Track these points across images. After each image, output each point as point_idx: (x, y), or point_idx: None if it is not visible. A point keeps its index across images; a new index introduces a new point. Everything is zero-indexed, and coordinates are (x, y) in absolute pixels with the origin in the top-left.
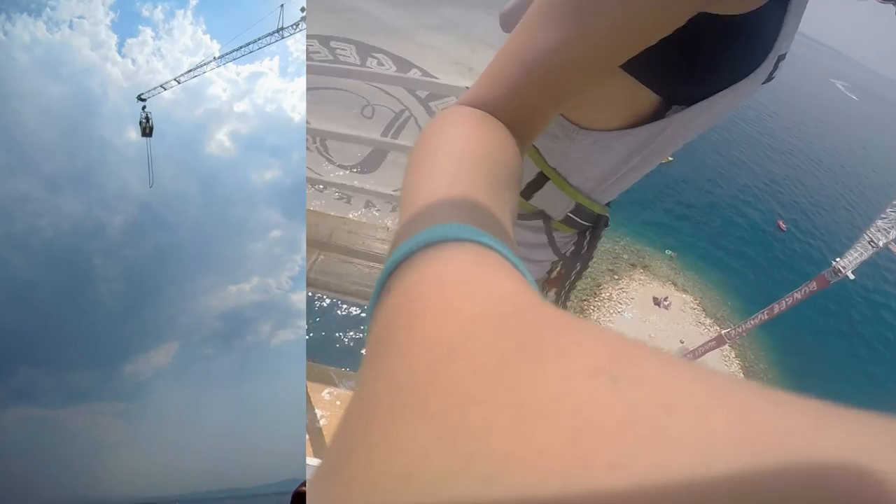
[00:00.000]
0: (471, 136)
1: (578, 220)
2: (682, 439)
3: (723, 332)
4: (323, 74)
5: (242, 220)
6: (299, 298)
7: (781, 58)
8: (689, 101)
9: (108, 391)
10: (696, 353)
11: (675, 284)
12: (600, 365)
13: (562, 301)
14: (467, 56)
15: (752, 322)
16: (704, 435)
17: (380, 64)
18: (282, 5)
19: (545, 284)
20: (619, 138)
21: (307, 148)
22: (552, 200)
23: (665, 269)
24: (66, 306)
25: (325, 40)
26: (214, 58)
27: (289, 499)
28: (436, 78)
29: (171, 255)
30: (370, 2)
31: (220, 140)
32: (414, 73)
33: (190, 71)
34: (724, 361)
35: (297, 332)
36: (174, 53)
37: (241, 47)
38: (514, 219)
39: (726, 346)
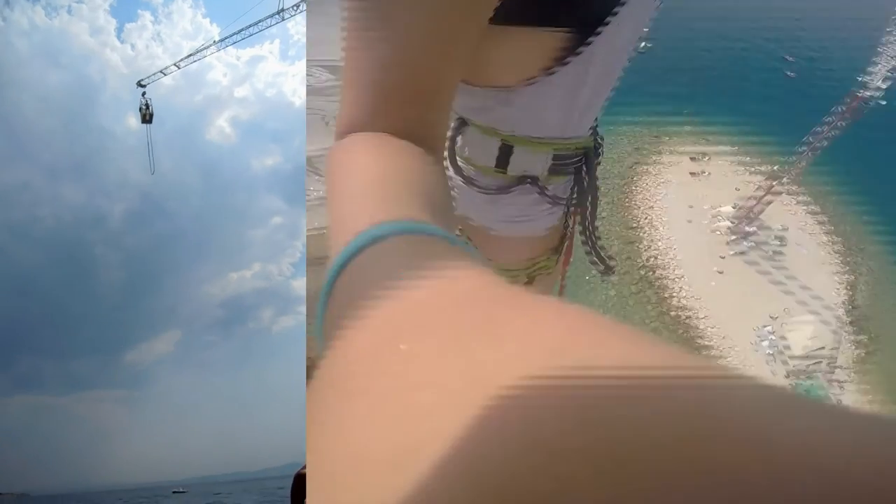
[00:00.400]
0: (377, 161)
1: (563, 164)
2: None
3: (774, 170)
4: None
5: (243, 207)
6: (300, 284)
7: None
8: (595, 20)
9: (110, 379)
10: (759, 199)
11: (707, 140)
12: (558, 344)
13: (589, 230)
14: None
15: (805, 153)
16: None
17: None
18: None
19: (567, 218)
20: (550, 82)
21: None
22: (528, 161)
23: (689, 134)
24: (68, 295)
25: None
26: (214, 42)
27: (290, 482)
28: None
29: (171, 242)
30: None
31: (221, 126)
32: None
33: (190, 56)
34: (792, 203)
35: (299, 318)
36: (174, 38)
37: (241, 30)
38: (449, 211)
39: (784, 179)
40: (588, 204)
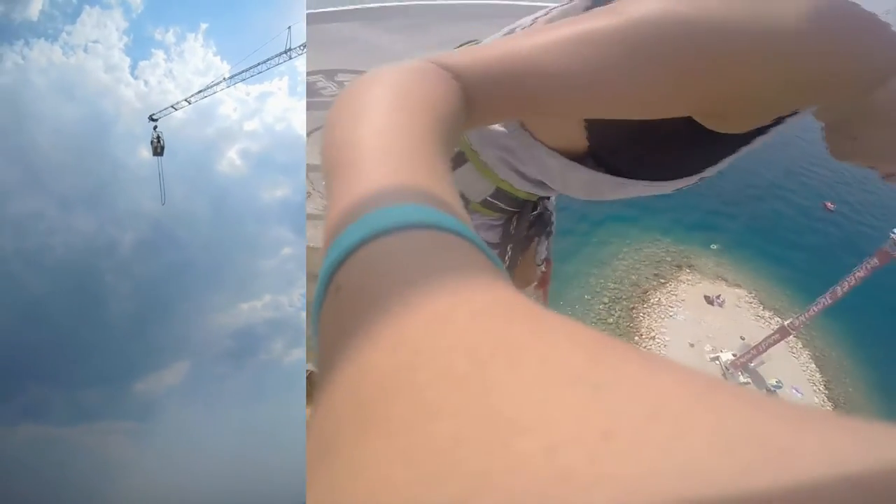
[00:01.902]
0: (414, 81)
1: (500, 204)
2: (664, 448)
3: (785, 322)
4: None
5: (253, 238)
6: None
7: (703, 179)
8: (609, 168)
9: (118, 410)
10: (760, 347)
11: (725, 280)
12: (579, 371)
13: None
14: None
15: (815, 308)
16: (685, 443)
17: None
18: (289, 27)
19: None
20: (540, 153)
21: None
22: (470, 182)
23: (713, 267)
24: (78, 323)
25: (330, 74)
26: (224, 78)
27: None
28: None
29: (182, 272)
30: (369, 30)
31: (231, 158)
32: None
33: (200, 91)
34: (791, 353)
35: None
36: (185, 75)
37: (250, 68)
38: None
39: (791, 336)
40: (507, 259)
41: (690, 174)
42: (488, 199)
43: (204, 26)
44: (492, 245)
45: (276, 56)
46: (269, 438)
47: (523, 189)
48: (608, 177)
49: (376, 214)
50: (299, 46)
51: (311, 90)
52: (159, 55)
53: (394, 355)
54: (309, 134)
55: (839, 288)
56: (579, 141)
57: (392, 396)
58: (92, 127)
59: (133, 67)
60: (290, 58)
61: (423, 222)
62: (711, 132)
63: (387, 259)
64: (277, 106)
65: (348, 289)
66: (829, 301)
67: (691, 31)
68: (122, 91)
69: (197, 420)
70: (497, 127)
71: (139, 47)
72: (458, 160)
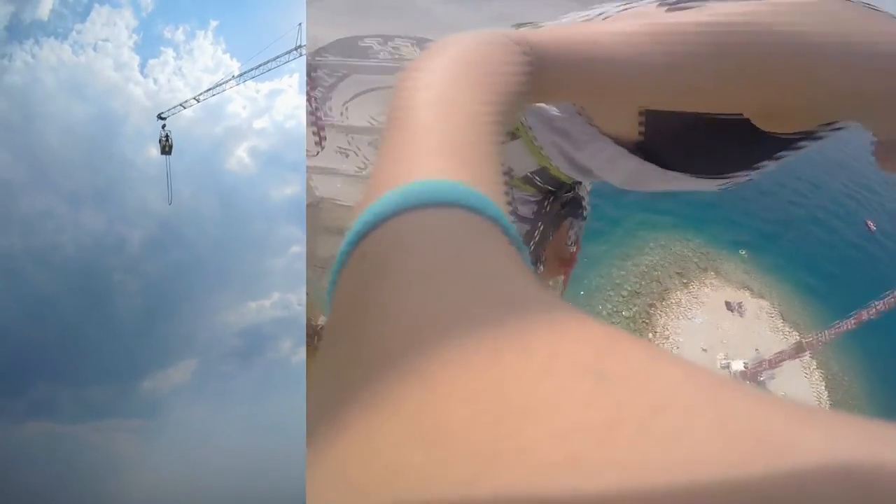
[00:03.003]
0: (483, 53)
1: (539, 181)
2: (669, 439)
3: (803, 340)
4: (388, 74)
5: (262, 236)
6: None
7: (749, 179)
8: (658, 160)
9: (125, 407)
10: (772, 361)
11: (749, 289)
12: (588, 361)
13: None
14: None
15: (836, 329)
16: (690, 435)
17: None
18: (300, 24)
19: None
20: (593, 139)
21: (375, 147)
22: (517, 157)
23: (739, 274)
24: (85, 321)
25: (385, 40)
26: (234, 76)
27: None
28: None
29: (190, 271)
30: None
31: (240, 157)
32: None
33: (209, 90)
34: (803, 372)
35: None
36: (195, 72)
37: (260, 65)
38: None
39: (806, 355)
40: (537, 234)
41: (736, 171)
42: (529, 174)
43: (214, 23)
44: (525, 220)
45: (287, 53)
46: (275, 438)
47: (567, 173)
48: (657, 168)
49: (413, 187)
50: (303, 47)
51: (364, 53)
52: (169, 53)
53: (408, 337)
54: (357, 96)
55: (865, 313)
56: (632, 130)
57: (406, 378)
58: (101, 125)
59: (142, 65)
60: (301, 54)
61: (458, 201)
62: (760, 132)
63: (415, 236)
64: (287, 103)
65: (373, 259)
66: (853, 325)
67: (780, 39)
68: (131, 89)
69: (204, 418)
70: (552, 110)
71: (149, 45)
72: (511, 135)
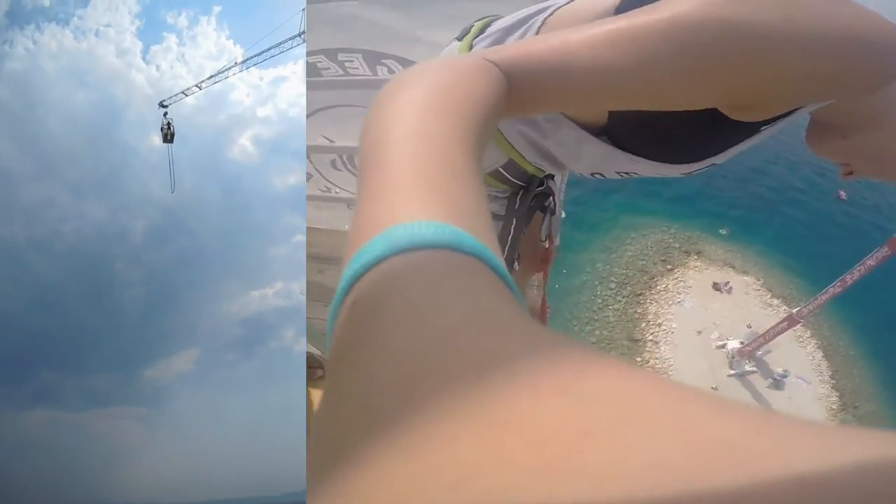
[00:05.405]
0: (456, 78)
1: (509, 176)
2: (635, 447)
3: (793, 311)
4: (337, 89)
5: (265, 225)
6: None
7: (712, 165)
8: (623, 145)
9: (129, 396)
10: (767, 336)
11: (733, 267)
12: (568, 382)
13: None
14: None
15: (823, 297)
16: (654, 442)
17: (390, 71)
18: (304, 9)
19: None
20: (559, 126)
21: (336, 167)
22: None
23: (721, 253)
24: (89, 310)
25: (332, 54)
26: (237, 63)
27: None
28: None
29: (192, 259)
30: (369, 8)
31: (243, 145)
32: None
33: (212, 77)
34: (799, 342)
35: None
36: (198, 59)
37: (263, 52)
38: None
39: (799, 325)
40: (512, 229)
41: (701, 159)
42: (499, 169)
43: (217, 9)
44: (497, 217)
45: (291, 39)
46: (277, 426)
47: (534, 163)
48: (622, 152)
49: (398, 230)
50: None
51: (313, 70)
52: (171, 39)
53: (401, 368)
54: (309, 115)
55: (848, 277)
56: (598, 116)
57: (398, 402)
58: (103, 113)
59: (145, 52)
60: (305, 41)
61: (446, 243)
62: (724, 120)
63: (405, 278)
64: (291, 91)
65: (364, 303)
66: (838, 290)
67: (732, 31)
68: (133, 76)
69: (206, 407)
70: None
71: (151, 31)
72: (506, 167)
